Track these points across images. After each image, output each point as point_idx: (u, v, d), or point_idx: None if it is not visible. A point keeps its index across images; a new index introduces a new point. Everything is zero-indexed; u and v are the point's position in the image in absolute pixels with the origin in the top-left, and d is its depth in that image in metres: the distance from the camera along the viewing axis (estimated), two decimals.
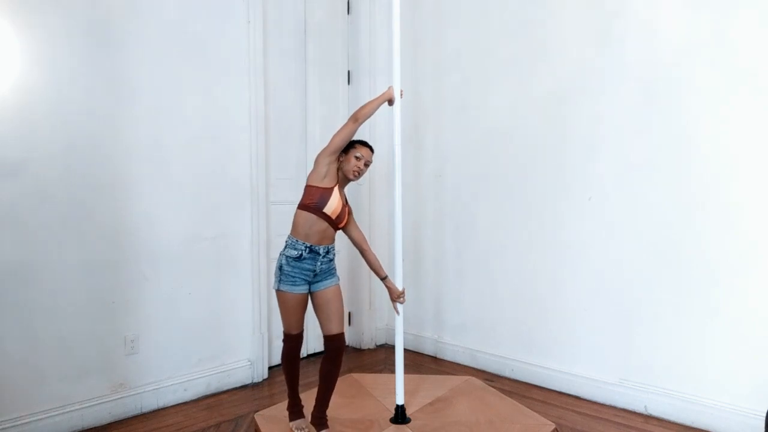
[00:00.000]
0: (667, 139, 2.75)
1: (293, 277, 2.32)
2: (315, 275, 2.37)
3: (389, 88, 2.54)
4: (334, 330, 2.38)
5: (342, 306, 2.44)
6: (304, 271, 2.33)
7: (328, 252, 2.39)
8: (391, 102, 2.55)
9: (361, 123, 2.35)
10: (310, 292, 2.40)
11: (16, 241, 2.47)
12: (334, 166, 2.37)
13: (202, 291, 3.13)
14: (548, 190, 3.24)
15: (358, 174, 2.41)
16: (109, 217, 2.76)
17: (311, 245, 2.32)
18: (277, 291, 2.36)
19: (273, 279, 2.42)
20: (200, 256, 3.11)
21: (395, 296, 2.57)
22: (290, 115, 3.73)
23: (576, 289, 3.12)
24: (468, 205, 3.67)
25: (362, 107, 2.41)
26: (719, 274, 2.61)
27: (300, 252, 2.31)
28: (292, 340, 2.44)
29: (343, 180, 2.43)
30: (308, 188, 2.36)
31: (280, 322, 2.35)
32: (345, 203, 2.44)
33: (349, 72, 4.12)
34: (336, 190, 2.36)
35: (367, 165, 2.43)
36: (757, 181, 2.50)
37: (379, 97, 2.50)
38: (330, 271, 2.42)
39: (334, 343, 2.37)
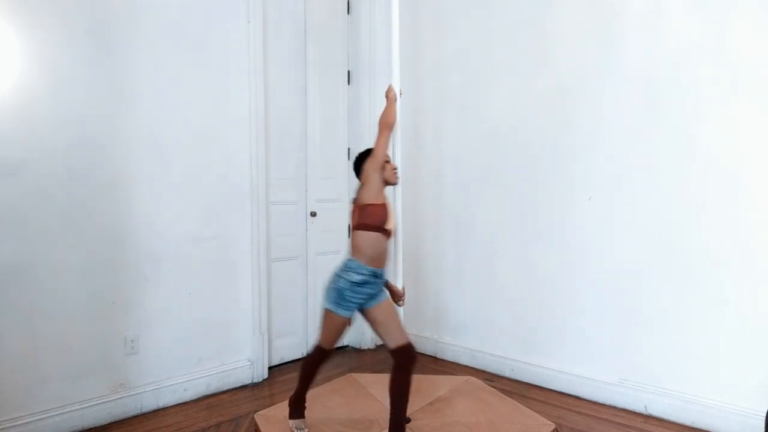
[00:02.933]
0: (667, 138, 2.75)
1: (351, 302, 2.28)
2: (371, 297, 2.35)
3: (389, 87, 2.54)
4: (403, 340, 2.31)
5: (398, 316, 2.42)
6: (363, 295, 2.30)
7: (383, 274, 2.39)
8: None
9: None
10: (363, 310, 2.37)
11: (16, 241, 2.47)
12: (382, 177, 2.36)
13: (202, 291, 3.12)
14: (548, 190, 3.24)
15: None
16: (109, 217, 2.76)
17: (375, 270, 2.30)
18: (329, 312, 2.31)
19: (325, 297, 2.34)
20: (200, 257, 3.11)
21: (397, 297, 2.55)
22: (290, 115, 3.73)
23: (576, 289, 3.12)
24: (468, 205, 3.67)
25: (387, 114, 2.43)
26: (719, 274, 2.61)
27: (365, 278, 2.28)
28: (325, 354, 2.42)
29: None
30: (366, 207, 2.29)
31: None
32: None
33: (349, 72, 4.12)
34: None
35: None
36: (758, 180, 2.50)
37: (389, 101, 2.51)
38: (381, 287, 2.41)
39: (407, 352, 2.29)
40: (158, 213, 2.93)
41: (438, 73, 3.83)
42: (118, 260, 2.79)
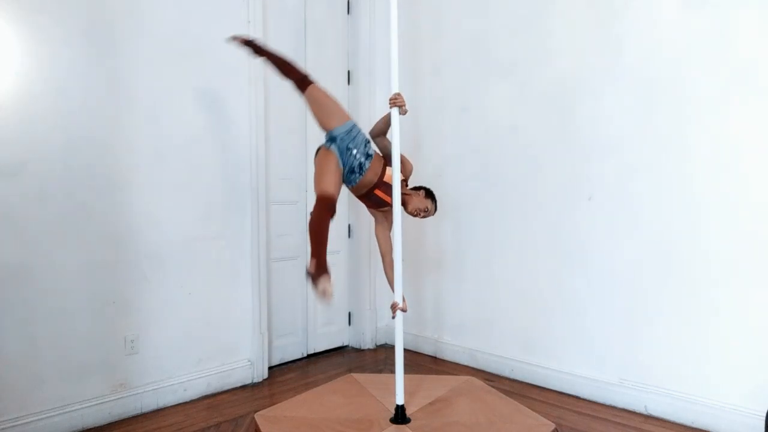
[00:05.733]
0: (667, 138, 2.75)
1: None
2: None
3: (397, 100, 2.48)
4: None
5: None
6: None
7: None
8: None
9: None
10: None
11: (16, 241, 2.47)
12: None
13: (202, 291, 3.12)
14: (548, 190, 3.24)
15: None
16: (109, 217, 2.76)
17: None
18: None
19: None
20: (200, 256, 3.11)
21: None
22: (290, 115, 3.73)
23: (576, 289, 3.12)
24: (468, 205, 3.67)
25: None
26: (719, 274, 2.61)
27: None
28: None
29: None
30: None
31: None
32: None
33: (349, 72, 4.11)
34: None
35: None
36: (757, 181, 2.50)
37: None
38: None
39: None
40: (158, 213, 2.93)
41: (438, 73, 3.83)
42: (118, 260, 2.79)
